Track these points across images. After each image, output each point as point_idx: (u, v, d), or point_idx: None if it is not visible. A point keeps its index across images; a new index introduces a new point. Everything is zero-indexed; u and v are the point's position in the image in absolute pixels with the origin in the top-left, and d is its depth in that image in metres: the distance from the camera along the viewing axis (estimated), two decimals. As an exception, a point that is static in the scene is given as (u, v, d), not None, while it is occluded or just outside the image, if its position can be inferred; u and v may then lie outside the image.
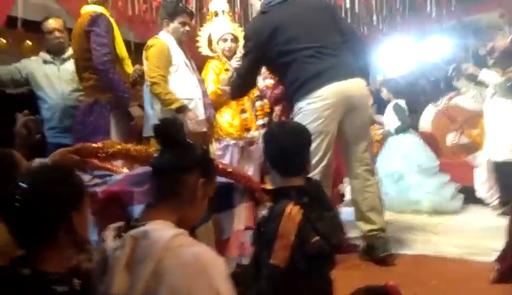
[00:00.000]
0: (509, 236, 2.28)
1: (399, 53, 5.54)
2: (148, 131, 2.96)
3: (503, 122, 3.78)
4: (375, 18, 5.18)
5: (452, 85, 4.90)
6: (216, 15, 3.69)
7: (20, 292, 1.08)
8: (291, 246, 1.43)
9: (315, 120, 2.62)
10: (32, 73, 3.27)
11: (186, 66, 3.14)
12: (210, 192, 1.32)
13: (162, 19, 3.18)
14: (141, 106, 3.09)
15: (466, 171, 4.32)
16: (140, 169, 2.00)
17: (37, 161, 1.68)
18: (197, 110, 3.08)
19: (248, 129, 3.56)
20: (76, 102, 3.20)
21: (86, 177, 1.95)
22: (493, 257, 2.39)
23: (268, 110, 3.59)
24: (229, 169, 2.01)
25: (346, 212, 3.23)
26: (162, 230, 1.14)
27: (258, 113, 3.62)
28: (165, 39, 3.10)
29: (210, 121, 3.22)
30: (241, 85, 3.00)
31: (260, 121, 3.59)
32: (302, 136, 1.69)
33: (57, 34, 3.29)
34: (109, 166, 2.15)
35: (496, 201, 4.04)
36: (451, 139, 4.82)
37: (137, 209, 1.75)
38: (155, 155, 1.29)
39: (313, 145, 2.57)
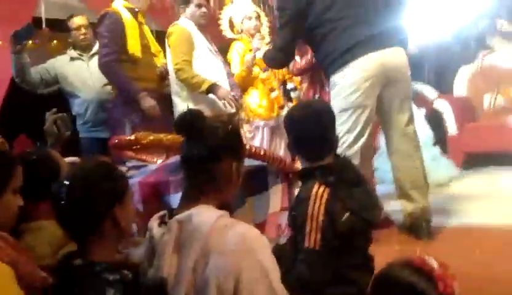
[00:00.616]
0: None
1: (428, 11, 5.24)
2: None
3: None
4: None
5: (484, 43, 4.65)
6: (236, -5, 3.65)
7: (73, 281, 1.13)
8: (322, 227, 1.41)
9: (353, 92, 2.48)
10: (61, 71, 3.33)
11: (209, 51, 3.12)
12: (242, 169, 1.31)
13: (179, 6, 3.20)
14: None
15: (507, 135, 4.05)
16: (174, 158, 2.02)
17: (69, 159, 1.72)
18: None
19: (281, 107, 3.53)
20: (109, 95, 3.25)
21: (123, 169, 1.99)
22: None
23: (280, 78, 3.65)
24: (262, 153, 2.02)
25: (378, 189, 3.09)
26: (205, 213, 1.17)
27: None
28: (184, 25, 3.09)
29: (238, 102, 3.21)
30: (282, 58, 2.81)
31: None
32: (324, 118, 1.60)
33: (83, 30, 3.33)
34: (144, 157, 2.20)
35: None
36: (487, 101, 4.62)
37: (174, 198, 1.79)
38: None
39: (351, 120, 2.50)
